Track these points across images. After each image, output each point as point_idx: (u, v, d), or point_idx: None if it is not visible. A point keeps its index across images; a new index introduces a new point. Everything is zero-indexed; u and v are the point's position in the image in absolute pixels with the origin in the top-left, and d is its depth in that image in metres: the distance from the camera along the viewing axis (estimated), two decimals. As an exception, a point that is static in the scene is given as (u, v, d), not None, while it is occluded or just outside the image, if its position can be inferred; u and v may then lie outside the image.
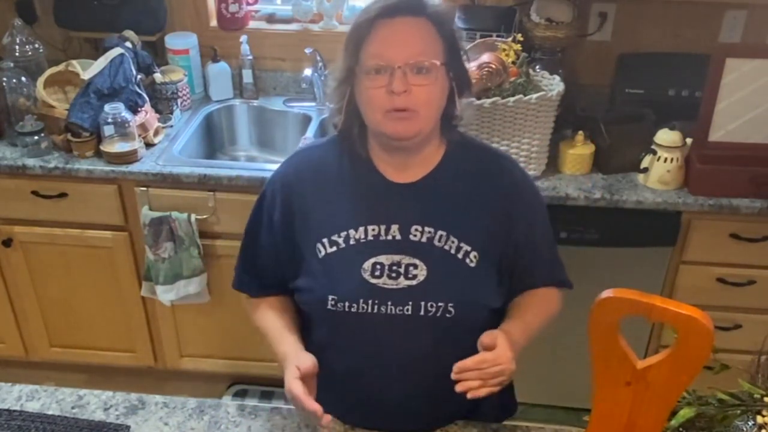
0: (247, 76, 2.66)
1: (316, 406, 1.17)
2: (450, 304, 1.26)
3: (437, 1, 1.26)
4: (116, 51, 2.36)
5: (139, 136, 2.31)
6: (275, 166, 1.43)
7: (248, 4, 2.68)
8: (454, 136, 1.35)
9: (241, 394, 2.68)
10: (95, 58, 2.39)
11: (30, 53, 2.49)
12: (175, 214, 2.26)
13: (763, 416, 1.04)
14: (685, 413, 1.07)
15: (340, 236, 1.28)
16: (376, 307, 1.26)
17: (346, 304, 1.26)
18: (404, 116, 1.22)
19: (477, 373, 1.18)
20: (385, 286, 1.26)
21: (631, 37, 2.49)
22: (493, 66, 2.02)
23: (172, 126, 2.50)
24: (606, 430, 1.06)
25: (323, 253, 1.29)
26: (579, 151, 2.22)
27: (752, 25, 2.43)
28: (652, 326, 2.34)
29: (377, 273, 1.27)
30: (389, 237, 1.28)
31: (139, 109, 2.36)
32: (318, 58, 2.54)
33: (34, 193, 2.32)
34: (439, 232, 1.28)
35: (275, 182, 1.37)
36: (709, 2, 2.37)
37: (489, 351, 1.20)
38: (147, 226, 2.27)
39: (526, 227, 1.34)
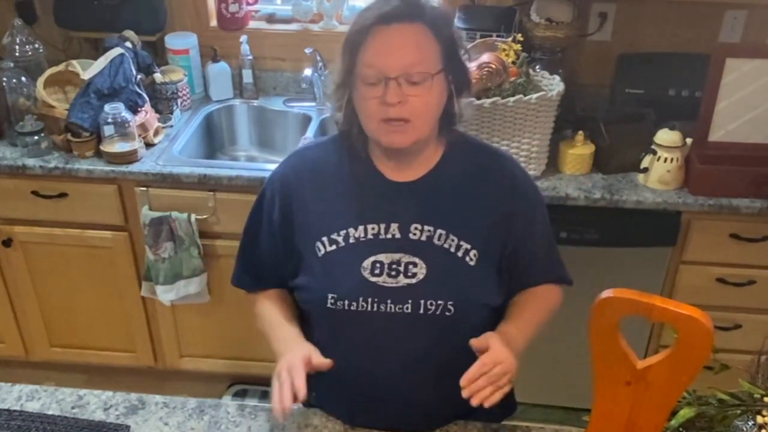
0: (247, 76, 2.66)
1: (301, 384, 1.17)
2: (449, 303, 1.26)
3: (435, 3, 1.25)
4: (116, 51, 2.36)
5: (139, 136, 2.31)
6: (275, 166, 1.43)
7: (248, 4, 2.69)
8: (454, 135, 1.35)
9: (241, 394, 2.68)
10: (95, 58, 2.39)
11: (30, 53, 2.49)
12: (175, 214, 2.26)
13: (763, 416, 1.04)
14: (685, 413, 1.07)
15: (339, 235, 1.29)
16: (375, 305, 1.26)
17: (346, 302, 1.26)
18: (399, 127, 1.22)
19: (484, 378, 1.17)
20: (385, 284, 1.27)
21: (631, 37, 2.49)
22: (493, 66, 2.02)
23: (172, 126, 2.50)
24: (606, 430, 1.06)
25: (323, 251, 1.29)
26: (579, 151, 2.22)
27: (752, 25, 2.43)
28: (652, 326, 2.34)
29: (377, 271, 1.27)
30: (389, 236, 1.28)
31: (139, 109, 2.36)
32: (318, 58, 2.54)
33: (34, 193, 2.32)
34: (439, 231, 1.28)
35: (274, 181, 1.37)
36: (709, 2, 2.37)
37: (484, 354, 1.19)
38: (147, 226, 2.27)
39: (526, 225, 1.34)
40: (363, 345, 1.31)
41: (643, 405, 1.01)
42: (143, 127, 2.34)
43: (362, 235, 1.28)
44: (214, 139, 2.69)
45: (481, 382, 1.17)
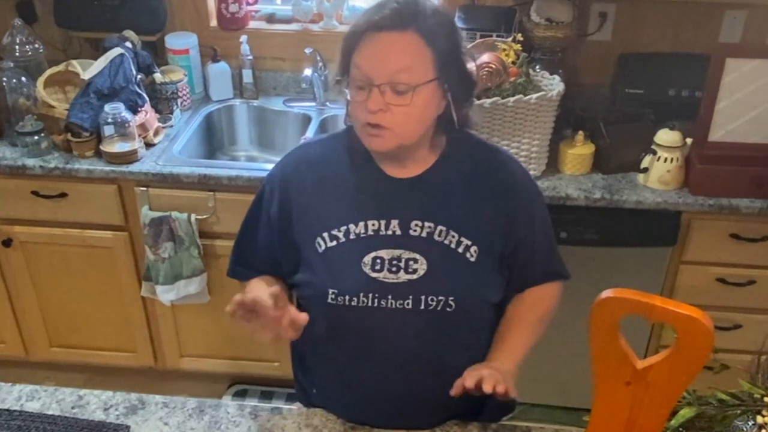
0: (247, 76, 2.66)
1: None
2: (450, 299, 1.26)
3: (433, 10, 1.24)
4: (116, 51, 2.36)
5: (139, 136, 2.31)
6: (275, 164, 1.43)
7: (248, 4, 2.68)
8: (455, 133, 1.34)
9: (241, 394, 2.68)
10: (95, 58, 2.39)
11: (30, 53, 2.49)
12: (175, 214, 2.26)
13: (763, 416, 1.04)
14: (685, 413, 1.07)
15: (340, 231, 1.29)
16: (376, 301, 1.26)
17: (347, 297, 1.26)
18: (377, 133, 1.22)
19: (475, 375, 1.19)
20: (386, 280, 1.27)
21: (631, 37, 2.49)
22: (493, 66, 2.03)
23: (172, 126, 2.50)
24: (606, 430, 1.06)
25: (323, 247, 1.29)
26: (579, 151, 2.22)
27: (752, 25, 2.43)
28: (652, 326, 2.34)
29: (377, 267, 1.27)
30: (389, 232, 1.28)
31: (139, 109, 2.36)
32: (318, 58, 2.54)
33: (34, 193, 2.32)
34: (439, 227, 1.29)
35: (274, 177, 1.38)
36: (709, 2, 2.37)
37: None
38: (147, 226, 2.27)
39: (526, 222, 1.35)
40: (364, 341, 1.31)
41: (643, 405, 1.01)
42: (143, 127, 2.34)
43: (362, 231, 1.28)
44: (214, 139, 2.69)
45: (474, 373, 1.20)
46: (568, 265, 1.47)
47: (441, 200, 1.31)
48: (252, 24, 2.70)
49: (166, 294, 2.35)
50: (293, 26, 2.68)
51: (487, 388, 1.16)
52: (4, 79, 2.35)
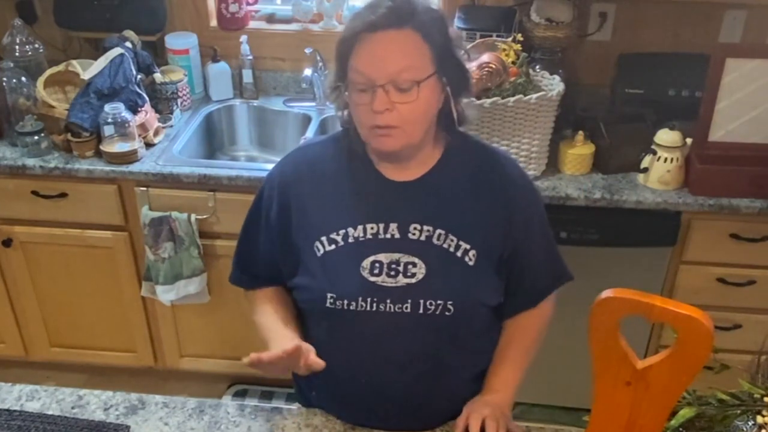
0: (247, 76, 2.66)
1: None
2: (449, 303, 1.26)
3: (426, 6, 1.24)
4: (116, 51, 2.36)
5: (139, 136, 2.31)
6: (274, 165, 1.43)
7: (248, 4, 2.69)
8: (454, 134, 1.34)
9: (241, 394, 2.68)
10: (95, 58, 2.39)
11: (30, 53, 2.49)
12: (175, 214, 2.26)
13: (763, 416, 1.04)
14: (685, 413, 1.07)
15: (338, 234, 1.29)
16: (375, 305, 1.26)
17: (345, 302, 1.26)
18: (387, 133, 1.22)
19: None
20: (384, 284, 1.27)
21: (631, 37, 2.49)
22: (493, 66, 2.03)
23: (172, 126, 2.50)
24: (606, 430, 1.06)
25: (322, 251, 1.29)
26: (579, 151, 2.22)
27: (752, 25, 2.43)
28: (652, 326, 2.34)
29: (376, 271, 1.27)
30: (388, 235, 1.28)
31: (139, 109, 2.36)
32: (318, 58, 2.54)
33: (34, 193, 2.32)
34: (438, 231, 1.28)
35: (272, 180, 1.37)
36: (709, 2, 2.37)
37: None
38: (147, 226, 2.27)
39: (525, 225, 1.34)
40: (362, 345, 1.31)
41: (643, 405, 1.01)
42: (143, 127, 2.34)
43: (361, 234, 1.28)
44: (214, 139, 2.69)
45: (476, 415, 1.26)
46: (568, 265, 1.47)
47: (440, 204, 1.30)
48: (252, 24, 2.70)
49: (166, 294, 2.35)
50: (293, 26, 2.68)
51: None
52: (4, 79, 2.35)
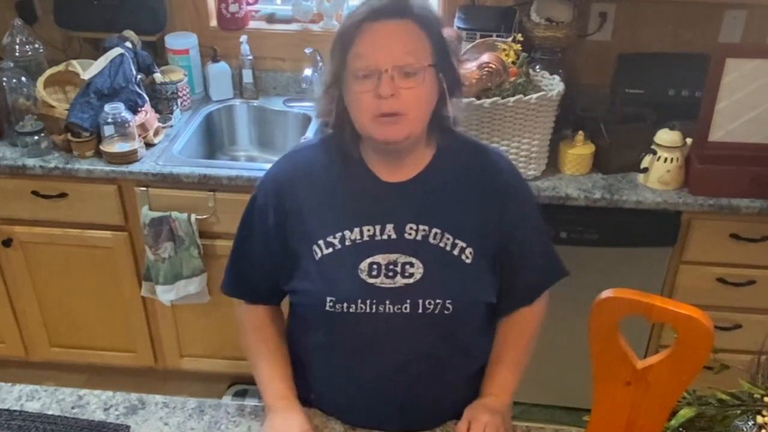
0: (247, 76, 2.66)
1: None
2: (448, 301, 1.26)
3: (424, 2, 1.25)
4: (116, 51, 2.36)
5: (139, 136, 2.31)
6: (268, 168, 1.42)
7: (248, 4, 2.69)
8: (446, 134, 1.34)
9: (241, 394, 2.68)
10: (95, 58, 2.39)
11: (30, 53, 2.49)
12: (175, 214, 2.26)
13: (763, 416, 1.04)
14: (685, 413, 1.07)
15: (335, 237, 1.28)
16: (374, 306, 1.26)
17: (345, 304, 1.26)
18: (392, 120, 1.21)
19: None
20: (383, 285, 1.26)
21: (631, 37, 2.49)
22: (493, 66, 2.03)
23: (172, 126, 2.50)
24: (606, 430, 1.06)
25: (319, 254, 1.29)
26: (579, 151, 2.22)
27: (752, 25, 2.43)
28: (652, 326, 2.34)
29: (374, 273, 1.27)
30: (384, 236, 1.28)
31: (139, 109, 2.36)
32: (318, 58, 2.54)
33: (34, 193, 2.32)
34: (434, 230, 1.28)
35: (266, 186, 1.35)
36: (709, 2, 2.37)
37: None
38: (147, 226, 2.27)
39: (518, 220, 1.34)
40: (362, 346, 1.31)
41: (643, 405, 1.01)
42: (143, 127, 2.34)
43: (358, 236, 1.28)
44: (214, 139, 2.69)
45: (478, 425, 1.27)
46: (567, 265, 1.47)
47: (434, 203, 1.30)
48: (252, 24, 2.70)
49: (166, 294, 2.35)
50: (293, 26, 2.68)
51: None
52: (4, 79, 2.35)
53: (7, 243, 2.42)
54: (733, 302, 2.27)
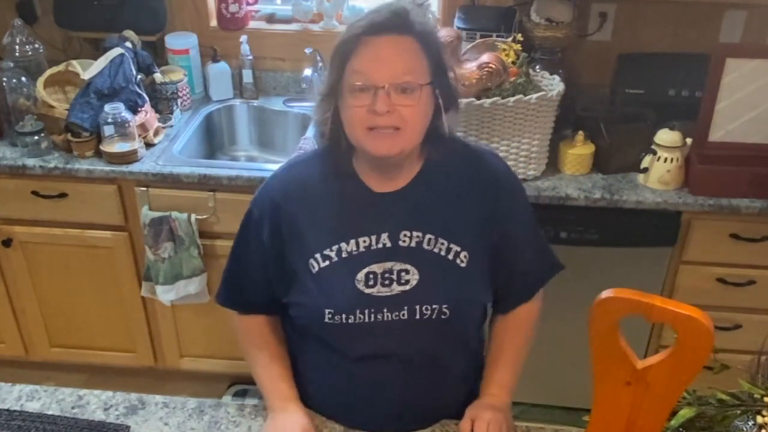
0: (247, 76, 2.66)
1: None
2: (444, 306, 1.27)
3: (423, 18, 1.24)
4: (116, 51, 2.36)
5: (139, 136, 2.31)
6: (275, 166, 1.42)
7: (248, 4, 2.69)
8: (438, 143, 1.32)
9: (241, 394, 2.68)
10: (95, 58, 2.39)
11: (30, 53, 2.49)
12: (175, 214, 2.26)
13: (763, 416, 1.04)
14: (685, 413, 1.07)
15: (332, 250, 1.28)
16: (372, 315, 1.26)
17: (343, 316, 1.26)
18: (387, 134, 1.21)
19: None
20: (380, 294, 1.27)
21: (631, 37, 2.49)
22: (493, 66, 2.02)
23: (172, 126, 2.50)
24: (606, 430, 1.06)
25: (316, 268, 1.29)
26: (579, 151, 2.22)
27: (752, 25, 2.43)
28: (652, 326, 2.34)
29: (371, 282, 1.27)
30: (380, 245, 1.28)
31: (139, 109, 2.36)
32: (318, 58, 2.54)
33: (34, 193, 2.32)
34: (428, 236, 1.28)
35: (262, 201, 1.35)
36: (709, 2, 2.37)
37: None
38: (147, 226, 2.27)
39: (508, 215, 1.34)
40: (361, 354, 1.31)
41: (643, 405, 1.01)
42: (143, 127, 2.34)
43: (354, 248, 1.28)
44: (214, 139, 2.69)
45: (482, 423, 1.27)
46: (567, 265, 1.47)
47: (427, 209, 1.30)
48: (252, 24, 2.70)
49: (166, 294, 2.35)
50: (293, 26, 2.68)
51: None
52: (4, 79, 2.35)
53: (7, 243, 2.42)
54: (733, 302, 2.27)
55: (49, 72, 2.36)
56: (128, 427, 1.33)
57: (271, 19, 2.74)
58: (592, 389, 1.04)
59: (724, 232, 2.16)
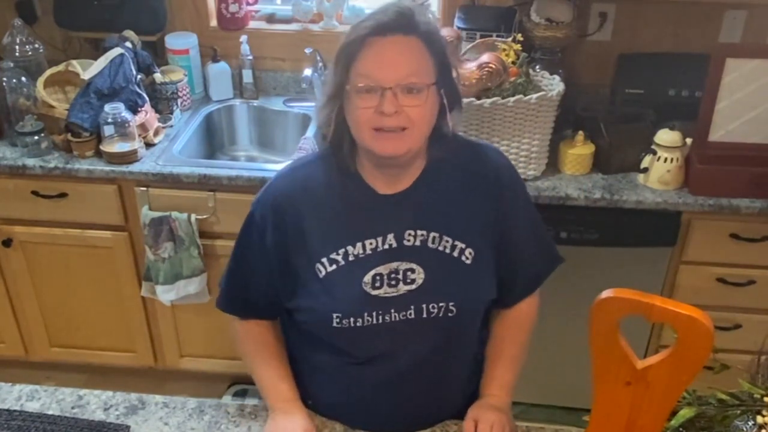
0: (247, 76, 2.66)
1: None
2: (451, 304, 1.27)
3: (428, 18, 1.24)
4: (116, 51, 2.36)
5: (139, 136, 2.31)
6: (275, 166, 1.42)
7: (248, 4, 2.69)
8: (441, 142, 1.32)
9: (241, 394, 2.68)
10: (95, 58, 2.39)
11: (30, 53, 2.49)
12: (175, 214, 2.26)
13: (763, 416, 1.04)
14: (685, 413, 1.07)
15: (338, 254, 1.28)
16: (380, 317, 1.26)
17: (351, 319, 1.26)
18: (394, 135, 1.21)
19: None
20: (386, 294, 1.27)
21: (631, 37, 2.49)
22: (493, 66, 2.02)
23: (172, 126, 2.50)
24: (606, 430, 1.06)
25: (323, 272, 1.28)
26: (579, 151, 2.22)
27: (752, 25, 2.43)
28: (652, 326, 2.34)
29: (377, 284, 1.27)
30: (386, 246, 1.28)
31: (139, 109, 2.36)
32: (318, 58, 2.54)
33: (34, 193, 2.32)
34: (432, 234, 1.28)
35: (265, 204, 1.33)
36: (709, 2, 2.37)
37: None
38: (147, 226, 2.27)
39: (512, 206, 1.34)
40: (369, 355, 1.31)
41: (643, 405, 1.01)
42: (143, 127, 2.34)
43: (361, 251, 1.28)
44: (214, 139, 2.69)
45: (485, 426, 1.27)
46: (567, 265, 1.47)
47: (431, 207, 1.30)
48: (252, 24, 2.70)
49: (166, 294, 2.35)
50: (293, 26, 2.68)
51: None
52: (4, 79, 2.35)
53: (7, 243, 2.42)
54: (733, 302, 2.27)
55: (49, 72, 2.36)
56: (128, 427, 1.33)
57: (271, 19, 2.74)
58: (592, 389, 1.04)
59: (724, 232, 2.16)
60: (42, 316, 2.58)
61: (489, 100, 2.02)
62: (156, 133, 2.40)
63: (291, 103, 2.67)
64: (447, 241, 1.29)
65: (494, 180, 1.33)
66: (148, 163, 2.27)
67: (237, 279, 1.40)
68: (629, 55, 2.47)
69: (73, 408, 1.38)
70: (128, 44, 2.44)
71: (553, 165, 2.24)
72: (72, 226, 2.39)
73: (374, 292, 1.27)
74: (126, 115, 2.26)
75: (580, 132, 2.22)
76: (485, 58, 2.04)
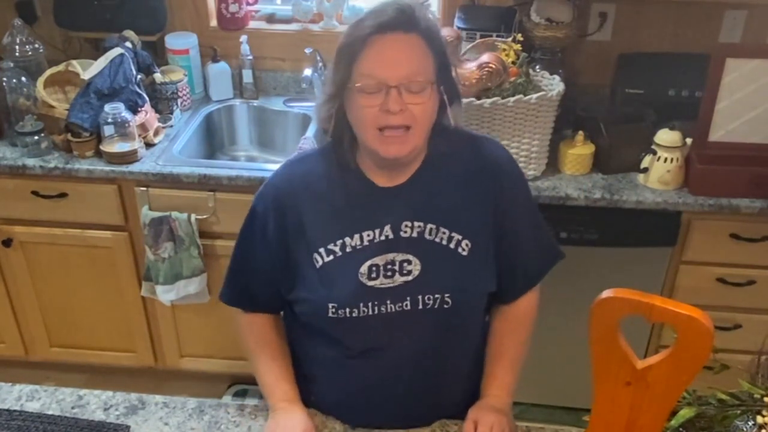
0: (247, 76, 2.66)
1: None
2: (446, 295, 1.27)
3: (428, 15, 1.24)
4: (116, 51, 2.37)
5: (139, 136, 2.31)
6: (275, 166, 1.42)
7: (248, 4, 2.69)
8: (441, 136, 1.33)
9: (241, 394, 2.68)
10: (95, 58, 2.39)
11: (30, 53, 2.49)
12: (175, 214, 2.26)
13: (763, 416, 1.04)
14: (685, 413, 1.07)
15: (336, 245, 1.29)
16: (375, 308, 1.27)
17: (347, 309, 1.27)
18: (397, 136, 1.21)
19: None
20: (382, 285, 1.27)
21: (631, 37, 2.49)
22: (493, 66, 2.02)
23: (172, 126, 2.50)
24: (606, 430, 1.06)
25: (320, 262, 1.29)
26: (579, 151, 2.22)
27: (752, 25, 2.43)
28: (652, 326, 2.34)
29: (373, 275, 1.27)
30: (382, 237, 1.28)
31: (139, 109, 2.36)
32: (318, 58, 2.54)
33: (34, 193, 2.32)
34: (429, 225, 1.29)
35: (266, 197, 1.35)
36: (709, 2, 2.37)
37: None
38: (147, 226, 2.27)
39: (512, 198, 1.34)
40: (366, 347, 1.32)
41: (643, 405, 1.01)
42: (143, 127, 2.34)
43: (358, 242, 1.28)
44: (214, 139, 2.69)
45: (484, 428, 1.27)
46: (567, 265, 1.47)
47: (429, 199, 1.30)
48: (252, 24, 2.70)
49: (166, 294, 2.35)
50: (293, 26, 2.68)
51: None
52: (4, 79, 2.35)
53: (7, 243, 2.42)
54: (733, 302, 2.27)
55: (49, 72, 2.36)
56: (128, 427, 1.33)
57: (271, 19, 2.74)
58: (592, 389, 1.04)
59: (724, 232, 2.16)
60: (42, 316, 2.58)
61: (489, 100, 2.02)
62: (156, 133, 2.40)
63: (291, 103, 2.67)
64: (444, 233, 1.29)
65: (494, 173, 1.33)
66: (148, 163, 2.27)
67: (240, 272, 1.41)
68: (629, 55, 2.47)
69: (73, 408, 1.38)
70: (128, 44, 2.45)
71: (553, 165, 2.24)
72: (72, 226, 2.39)
73: (370, 283, 1.27)
74: (126, 115, 2.26)
75: (580, 132, 2.22)
76: (485, 58, 2.04)
